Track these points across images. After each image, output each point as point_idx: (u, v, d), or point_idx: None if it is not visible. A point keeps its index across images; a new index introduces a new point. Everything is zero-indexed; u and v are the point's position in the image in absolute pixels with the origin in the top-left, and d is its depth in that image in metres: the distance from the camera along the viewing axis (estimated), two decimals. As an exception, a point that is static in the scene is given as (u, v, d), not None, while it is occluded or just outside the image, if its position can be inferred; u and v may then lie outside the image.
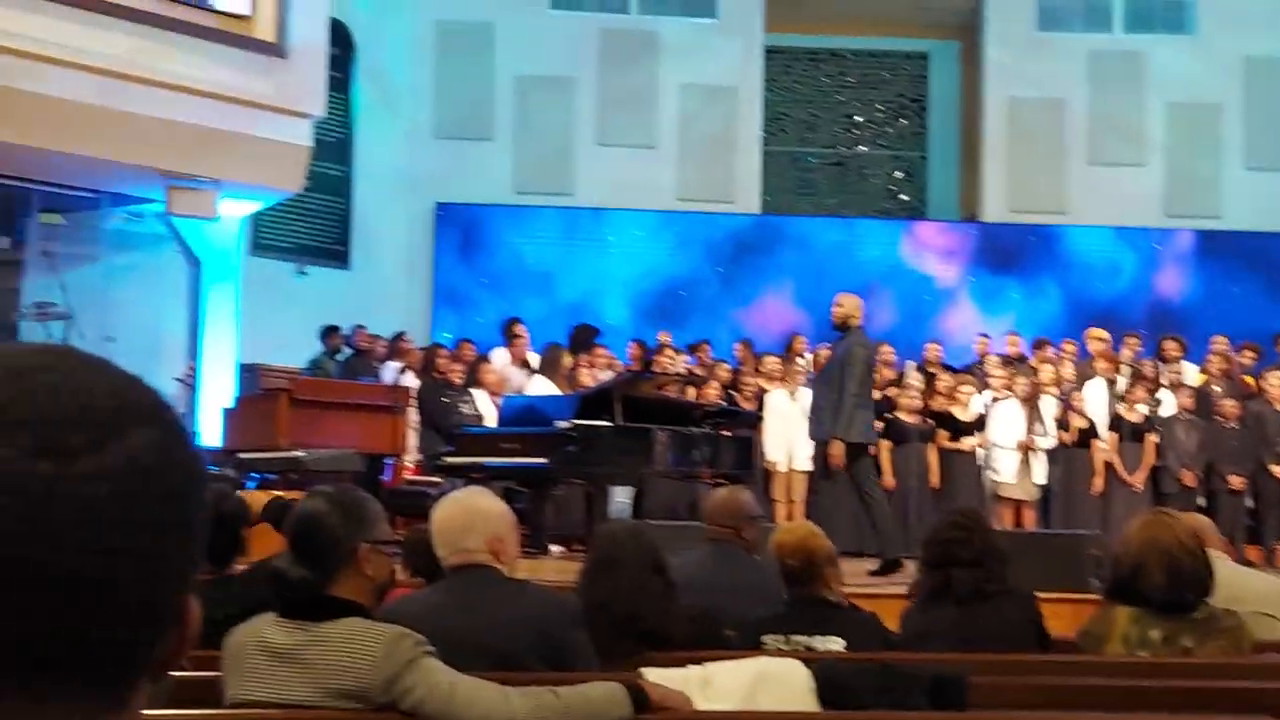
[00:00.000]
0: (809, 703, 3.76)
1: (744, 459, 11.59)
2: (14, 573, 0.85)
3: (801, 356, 14.14)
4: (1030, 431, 12.64)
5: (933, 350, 14.45)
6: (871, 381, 10.49)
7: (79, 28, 11.17)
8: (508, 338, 14.05)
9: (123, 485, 0.87)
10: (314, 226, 16.20)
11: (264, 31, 12.51)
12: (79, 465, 0.87)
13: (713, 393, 12.89)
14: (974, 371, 13.92)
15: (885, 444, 12.61)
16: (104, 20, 11.33)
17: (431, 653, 3.29)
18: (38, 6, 10.92)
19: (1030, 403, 12.72)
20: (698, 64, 17.51)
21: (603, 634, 4.23)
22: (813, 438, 10.42)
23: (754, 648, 4.60)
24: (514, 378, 13.49)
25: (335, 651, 3.26)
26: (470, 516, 4.05)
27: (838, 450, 9.72)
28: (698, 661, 4.00)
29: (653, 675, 3.84)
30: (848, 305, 10.18)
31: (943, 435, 12.76)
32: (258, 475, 11.38)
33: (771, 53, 18.32)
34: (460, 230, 17.30)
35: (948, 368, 14.13)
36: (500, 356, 13.80)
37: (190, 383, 12.08)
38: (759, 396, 13.19)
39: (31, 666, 0.86)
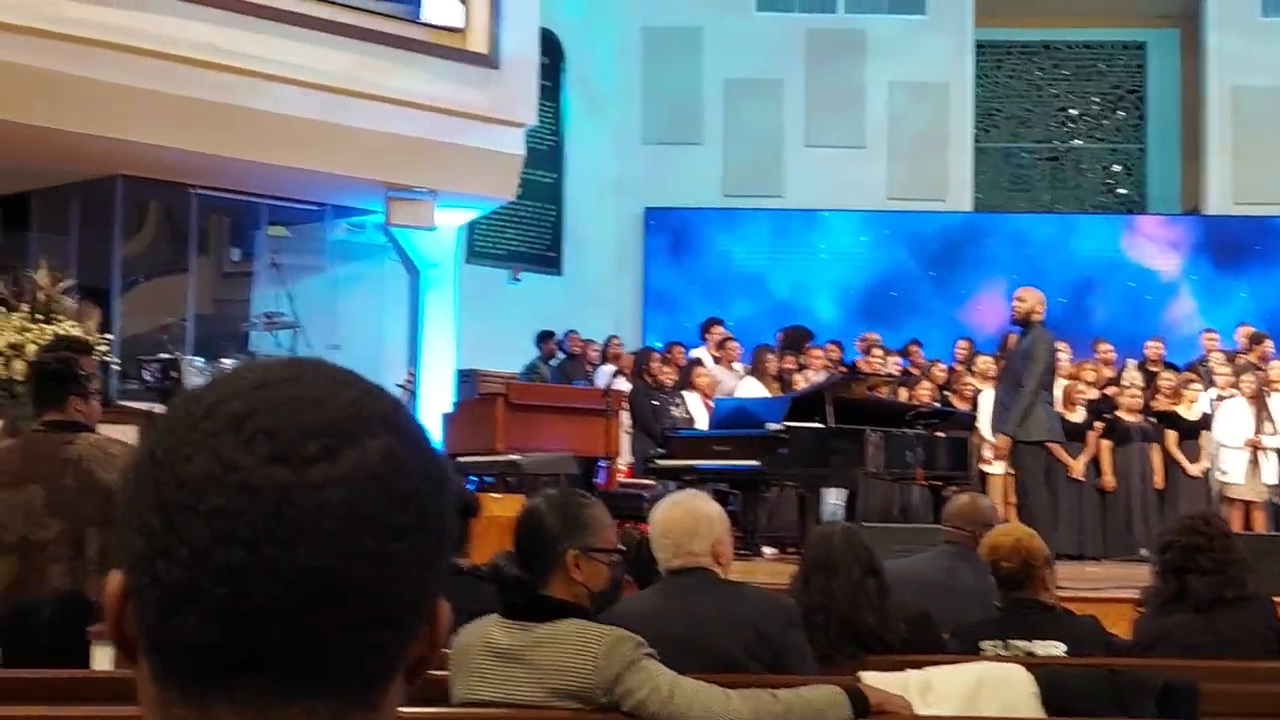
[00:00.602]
0: (1033, 708, 3.69)
1: (959, 460, 11.42)
2: (254, 575, 0.88)
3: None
4: (1259, 430, 12.20)
5: (1154, 348, 14.01)
6: (1052, 378, 10.29)
7: (301, 46, 11.54)
8: (711, 339, 14.09)
9: (355, 491, 0.90)
10: (527, 233, 16.46)
11: (477, 44, 12.76)
12: (312, 472, 0.89)
13: (925, 393, 12.73)
14: (1197, 369, 13.48)
15: (1106, 444, 12.31)
16: (325, 38, 11.69)
17: (652, 654, 3.32)
18: (261, 26, 11.31)
19: (1258, 400, 12.27)
20: (906, 61, 17.32)
21: (819, 637, 4.22)
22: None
23: (971, 652, 4.54)
24: (725, 380, 13.52)
25: (556, 652, 3.31)
26: (695, 520, 4.07)
27: (1003, 444, 9.56)
28: (916, 665, 3.97)
29: (871, 679, 3.82)
30: (1030, 300, 9.99)
31: (1170, 435, 12.40)
32: (475, 478, 11.61)
33: (982, 47, 18.03)
34: (670, 234, 17.40)
35: (1170, 365, 13.70)
36: (706, 358, 13.85)
37: (411, 389, 12.38)
38: (975, 397, 12.97)
39: (277, 666, 0.90)
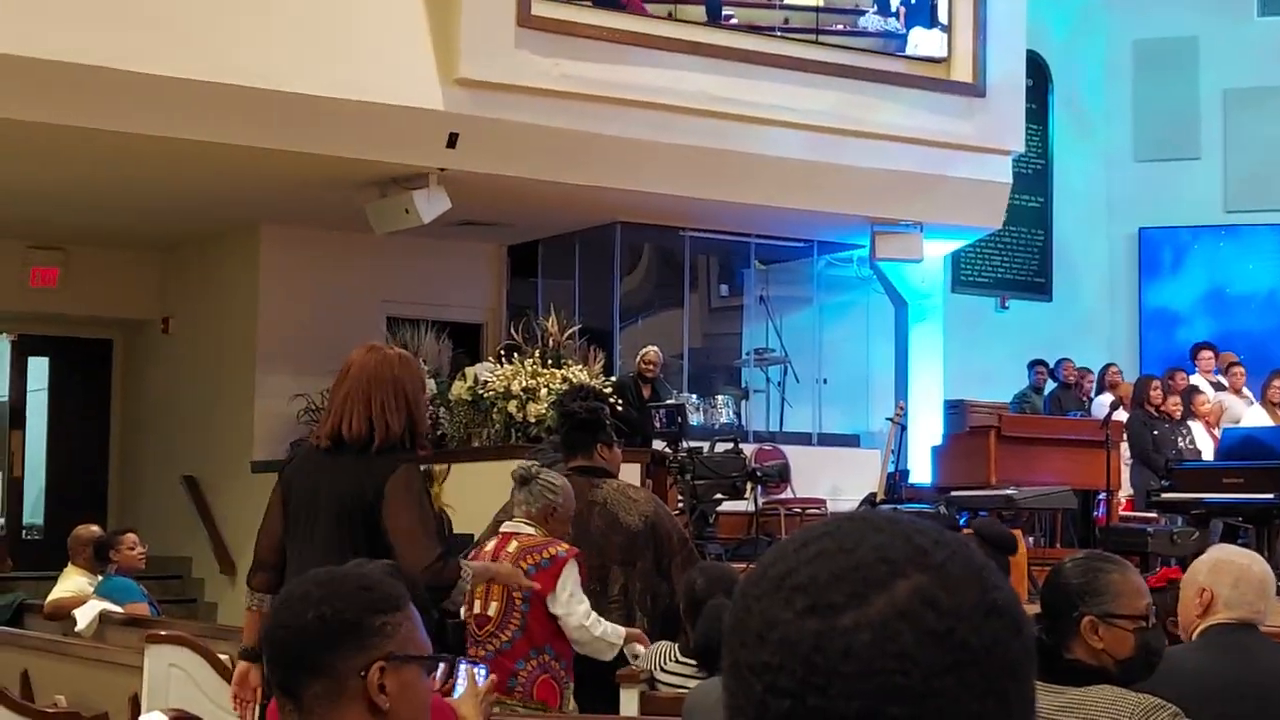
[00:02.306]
0: None
1: None
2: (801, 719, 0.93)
3: None
4: None
5: None
6: None
7: (788, 88, 11.71)
8: (1197, 364, 13.38)
9: (882, 632, 0.93)
10: (1014, 259, 16.11)
11: (961, 73, 12.59)
12: (842, 619, 0.94)
13: None
14: None
15: None
16: (811, 79, 11.81)
17: (1187, 723, 3.14)
18: (751, 72, 11.56)
19: None
20: None
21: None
22: None
23: None
24: (1232, 407, 12.80)
25: (1090, 717, 3.19)
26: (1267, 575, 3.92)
27: None
28: None
29: None
30: None
31: None
32: (968, 513, 11.42)
33: None
34: (1166, 254, 16.63)
35: None
36: (1203, 384, 13.14)
37: (901, 422, 12.31)
38: None
39: None
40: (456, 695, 3.24)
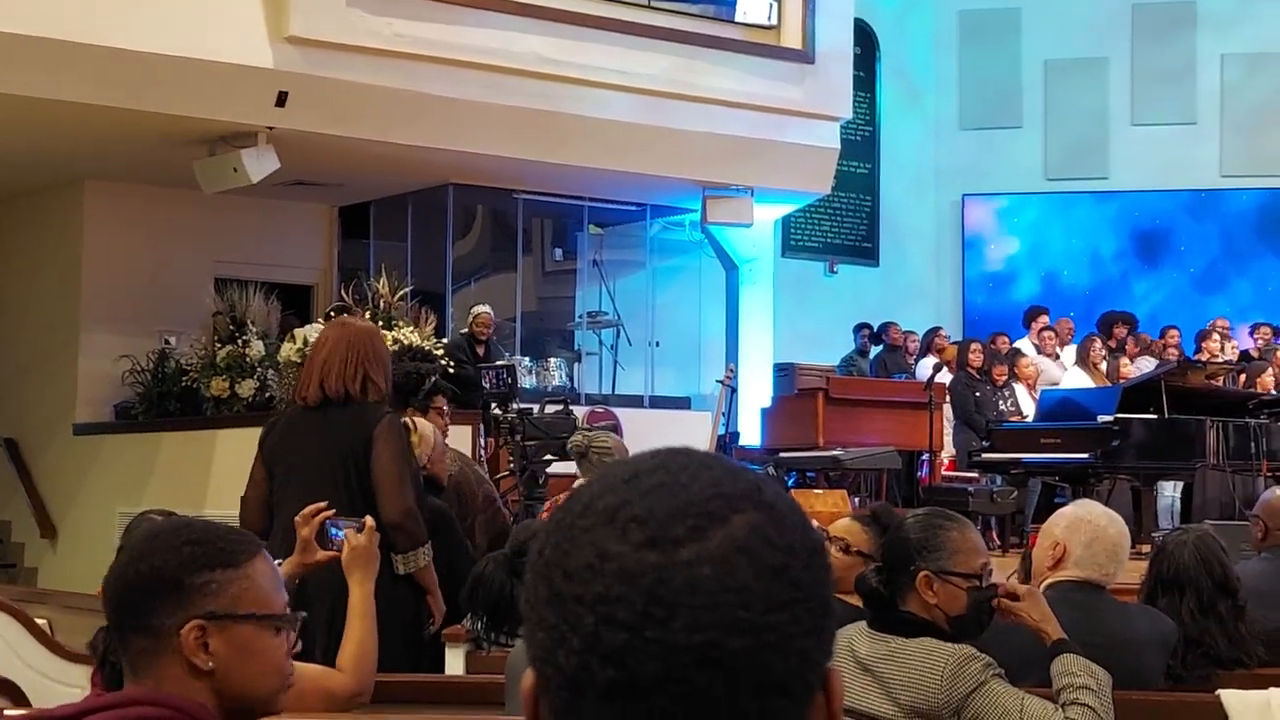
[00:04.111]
0: None
1: (1310, 451, 10.86)
2: (638, 656, 0.93)
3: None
4: None
5: None
6: None
7: (620, 51, 11.75)
8: (1031, 328, 13.78)
9: (724, 566, 0.94)
10: (842, 224, 16.37)
11: (790, 39, 12.75)
12: (682, 552, 0.94)
13: (1270, 380, 12.13)
14: None
15: None
16: (643, 42, 11.87)
17: (1000, 675, 3.26)
18: (582, 35, 11.57)
19: None
20: (1241, 32, 16.50)
21: (1192, 656, 4.07)
22: None
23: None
24: (1049, 370, 13.19)
25: (905, 668, 3.29)
26: (1121, 539, 4.00)
27: None
28: (1276, 682, 3.79)
29: (1229, 697, 3.67)
30: None
31: None
32: (796, 474, 11.62)
33: (1326, 11, 17.04)
34: (989, 221, 17.04)
35: None
36: (1028, 348, 13.54)
37: (731, 384, 12.47)
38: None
39: None
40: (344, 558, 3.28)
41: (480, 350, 11.37)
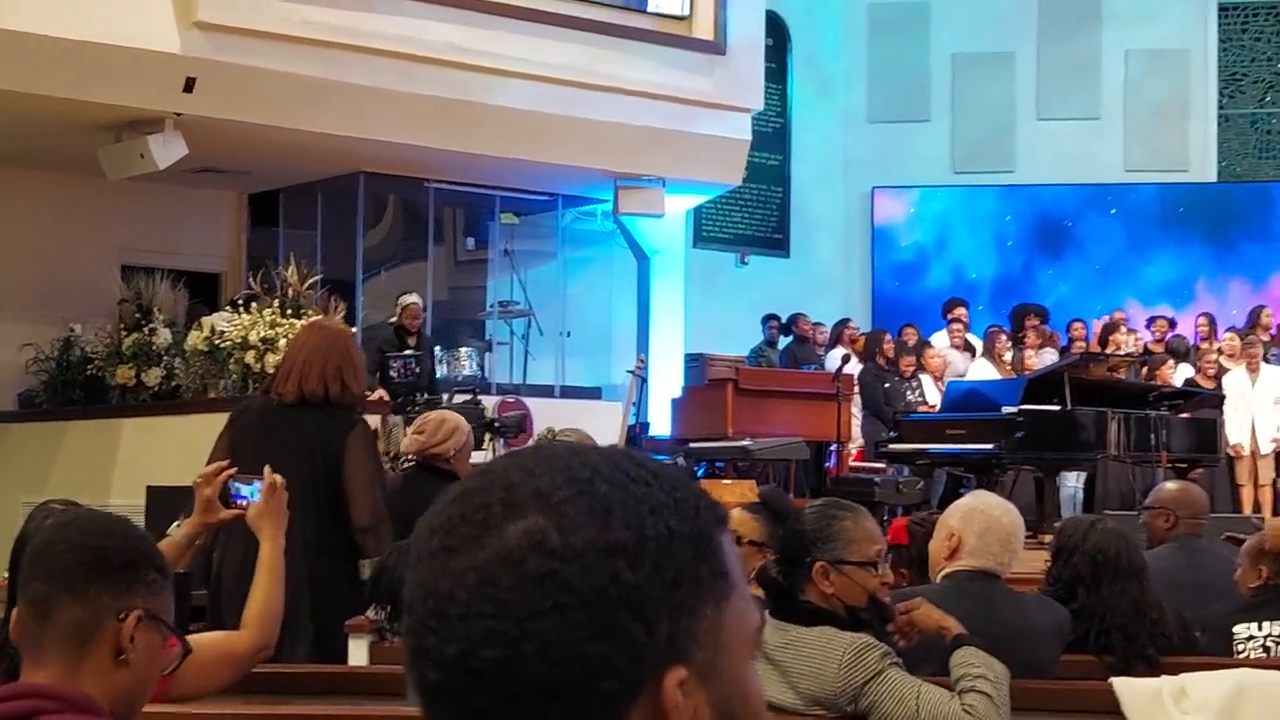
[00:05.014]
0: (1297, 719, 3.57)
1: (1206, 442, 11.09)
2: (422, 663, 0.95)
3: (1267, 331, 13.39)
4: None
5: None
6: None
7: (532, 41, 11.73)
8: (947, 320, 13.93)
9: (486, 576, 0.93)
10: (753, 216, 16.45)
11: (703, 30, 12.79)
12: (456, 562, 0.94)
13: (1170, 373, 12.36)
14: None
15: None
16: (554, 32, 11.86)
17: (897, 663, 3.32)
18: (494, 24, 11.54)
19: None
20: (1144, 28, 16.78)
21: (1098, 642, 4.13)
22: None
23: (1224, 642, 4.42)
24: (956, 361, 13.35)
25: (804, 656, 3.34)
26: (1015, 528, 4.03)
27: None
28: (1173, 670, 3.88)
29: (1122, 685, 3.74)
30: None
31: None
32: (705, 464, 11.68)
33: (1225, 10, 17.35)
34: (898, 213, 17.20)
35: None
36: (941, 340, 13.70)
37: (642, 374, 12.50)
38: (1219, 376, 12.55)
39: None
40: (251, 512, 3.27)
41: (411, 341, 11.28)
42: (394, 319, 11.55)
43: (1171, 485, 5.90)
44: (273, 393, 4.93)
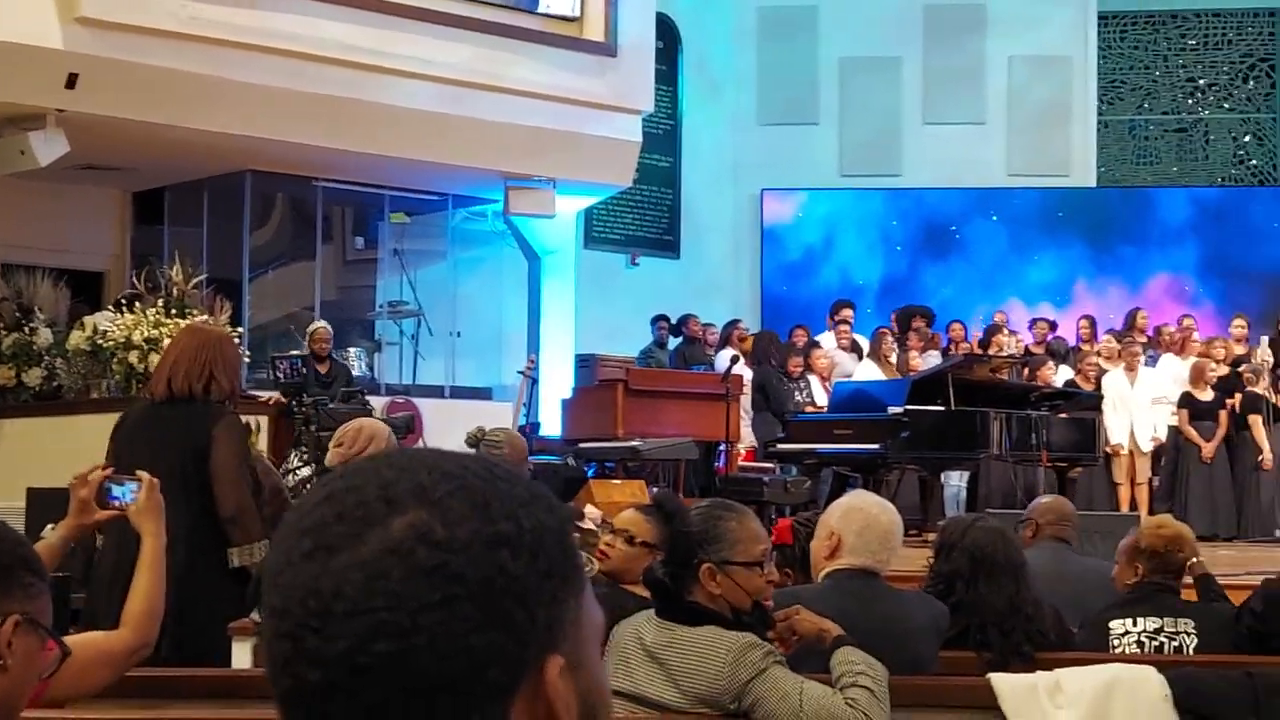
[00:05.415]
0: (1165, 713, 3.67)
1: (1085, 442, 11.31)
2: (302, 665, 0.94)
3: (1144, 333, 13.69)
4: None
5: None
6: None
7: (423, 40, 11.69)
8: (834, 321, 14.07)
9: (373, 571, 0.93)
10: (644, 217, 16.51)
11: (593, 32, 12.82)
12: (337, 560, 0.94)
13: (1050, 374, 12.60)
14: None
15: (1256, 418, 12.04)
16: (446, 32, 11.82)
17: (780, 661, 3.36)
18: (384, 22, 11.48)
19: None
20: (1027, 35, 17.08)
21: (975, 638, 4.20)
22: None
23: (1101, 637, 4.52)
24: (843, 362, 13.49)
25: (689, 655, 3.37)
26: (893, 526, 4.09)
27: None
28: (1048, 666, 3.96)
29: (999, 680, 3.82)
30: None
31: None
32: (595, 464, 11.70)
33: (1105, 18, 17.71)
34: (787, 215, 17.34)
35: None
36: (828, 341, 13.83)
37: (532, 375, 12.50)
38: (1099, 377, 12.80)
39: None
40: (132, 509, 3.24)
41: (322, 368, 11.08)
42: (304, 352, 11.32)
43: (1040, 499, 6.07)
44: (146, 393, 5.15)
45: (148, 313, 10.16)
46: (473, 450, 5.80)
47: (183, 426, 4.87)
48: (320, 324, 11.47)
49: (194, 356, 4.92)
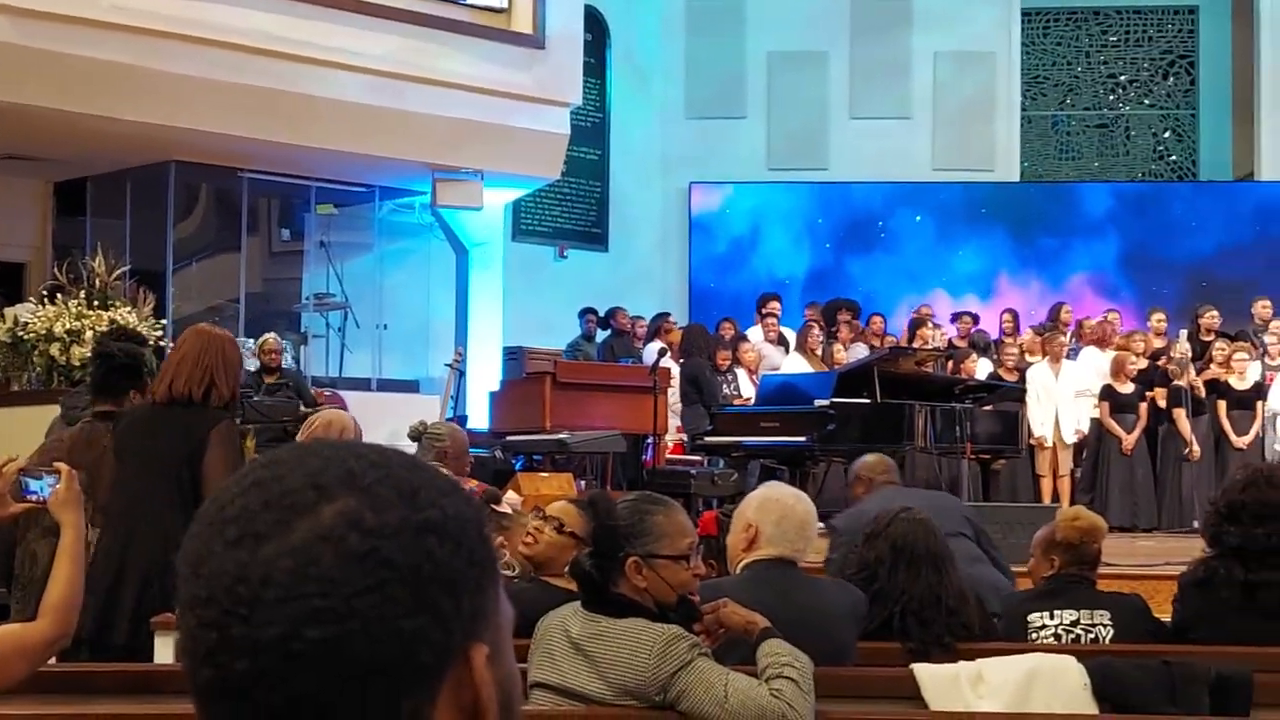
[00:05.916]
0: (1084, 701, 3.72)
1: (1008, 434, 11.43)
2: (227, 654, 0.93)
3: (1068, 327, 13.85)
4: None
5: (1209, 317, 13.66)
6: None
7: (348, 30, 11.62)
8: (761, 315, 14.12)
9: (304, 557, 0.93)
10: (572, 210, 16.50)
11: (521, 24, 12.80)
12: (266, 548, 0.94)
13: (974, 367, 12.72)
14: (1251, 338, 13.35)
15: (1180, 412, 12.19)
16: (371, 22, 11.77)
17: (706, 654, 3.38)
18: (309, 12, 11.40)
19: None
20: (952, 31, 17.23)
21: (896, 627, 4.24)
22: None
23: (1019, 625, 4.58)
24: (770, 355, 13.55)
25: (615, 647, 3.38)
26: (809, 516, 4.12)
27: None
28: (969, 656, 4.00)
29: (922, 670, 3.86)
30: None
31: (1220, 405, 12.36)
32: (523, 456, 11.69)
33: (1029, 15, 17.90)
34: (714, 208, 17.40)
35: (1223, 334, 13.55)
36: (756, 334, 13.88)
37: (459, 367, 12.46)
38: (1021, 369, 12.94)
39: None
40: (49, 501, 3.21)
41: (270, 379, 11.02)
42: (255, 367, 11.23)
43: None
44: (148, 394, 5.22)
45: (70, 305, 10.02)
46: (415, 444, 5.82)
47: (179, 430, 4.93)
48: (269, 335, 11.40)
49: (196, 360, 4.99)
